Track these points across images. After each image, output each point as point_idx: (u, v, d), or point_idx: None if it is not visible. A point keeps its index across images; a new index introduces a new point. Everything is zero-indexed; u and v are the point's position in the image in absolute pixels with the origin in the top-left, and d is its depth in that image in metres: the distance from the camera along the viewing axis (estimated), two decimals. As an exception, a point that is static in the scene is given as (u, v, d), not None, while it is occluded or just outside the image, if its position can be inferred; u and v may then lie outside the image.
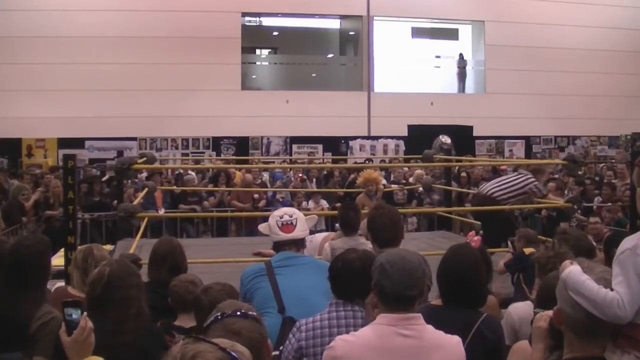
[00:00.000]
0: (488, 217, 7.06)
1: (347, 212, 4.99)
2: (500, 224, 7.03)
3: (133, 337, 2.80)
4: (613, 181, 11.82)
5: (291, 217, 3.77)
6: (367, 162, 15.15)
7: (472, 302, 3.00)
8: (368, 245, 4.54)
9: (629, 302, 2.21)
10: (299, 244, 3.77)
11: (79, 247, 4.15)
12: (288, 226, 3.72)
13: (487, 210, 7.09)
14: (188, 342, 1.54)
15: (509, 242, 5.90)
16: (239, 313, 2.00)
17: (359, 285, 2.88)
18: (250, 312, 2.02)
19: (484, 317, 2.93)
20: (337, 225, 5.91)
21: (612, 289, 2.25)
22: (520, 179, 7.50)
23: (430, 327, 2.51)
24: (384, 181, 10.75)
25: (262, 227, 3.93)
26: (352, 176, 12.14)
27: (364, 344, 2.44)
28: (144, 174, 11.38)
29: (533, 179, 7.44)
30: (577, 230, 4.98)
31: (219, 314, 2.02)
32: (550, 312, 2.51)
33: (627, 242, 2.33)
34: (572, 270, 2.31)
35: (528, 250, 5.36)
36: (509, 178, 7.76)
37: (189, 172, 13.23)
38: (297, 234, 3.74)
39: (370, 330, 2.48)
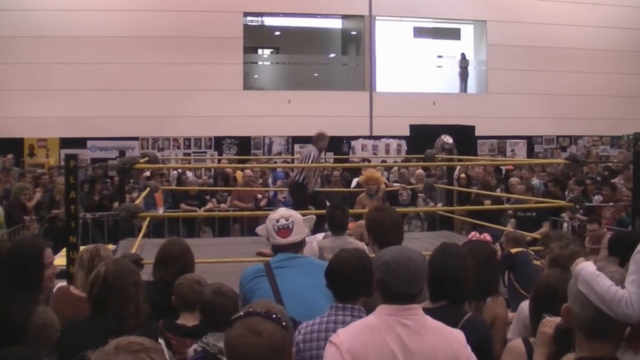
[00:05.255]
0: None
1: (334, 212, 4.99)
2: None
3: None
4: (613, 181, 11.83)
5: (287, 220, 3.69)
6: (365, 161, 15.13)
7: (456, 298, 3.02)
8: (356, 244, 4.54)
9: (637, 301, 2.20)
10: (297, 246, 3.72)
11: (85, 247, 4.15)
12: (284, 230, 3.66)
13: None
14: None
15: (498, 244, 5.99)
16: (263, 312, 1.95)
17: (359, 285, 2.91)
18: (280, 317, 1.97)
19: (467, 316, 2.95)
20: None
21: (624, 287, 2.24)
22: (304, 156, 8.40)
23: (429, 318, 2.55)
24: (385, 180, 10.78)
25: (259, 229, 3.90)
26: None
27: (364, 329, 2.49)
28: (146, 174, 11.38)
29: (311, 149, 8.32)
30: (560, 232, 5.03)
31: (249, 309, 1.99)
32: (556, 319, 2.53)
33: None
34: (587, 265, 2.32)
35: (514, 250, 5.43)
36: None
37: (187, 172, 13.30)
38: (293, 238, 3.68)
39: (372, 318, 2.54)
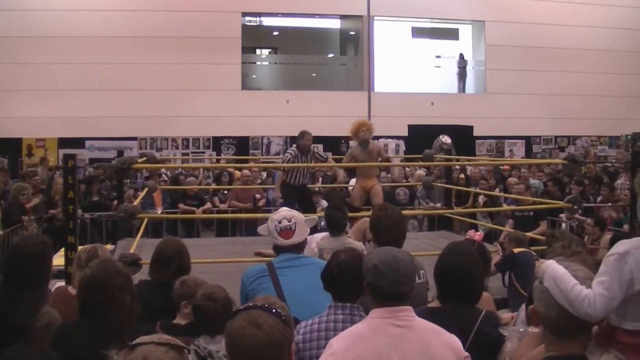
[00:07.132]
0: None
1: (334, 213, 4.99)
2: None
3: (118, 340, 2.78)
4: (617, 182, 11.83)
5: (290, 221, 3.68)
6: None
7: (470, 298, 3.02)
8: (354, 245, 4.55)
9: (601, 303, 2.21)
10: (299, 247, 3.73)
11: (83, 247, 4.13)
12: (287, 232, 3.66)
13: None
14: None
15: (497, 244, 6.02)
16: (264, 306, 1.99)
17: (358, 285, 2.90)
18: (281, 311, 2.00)
19: (483, 314, 2.97)
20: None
21: (589, 286, 2.25)
22: (285, 158, 8.95)
23: (421, 319, 2.58)
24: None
25: (261, 229, 3.88)
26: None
27: (358, 336, 2.50)
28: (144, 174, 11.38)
29: (290, 150, 8.99)
30: (565, 232, 5.04)
31: (250, 303, 2.02)
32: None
33: (620, 247, 2.31)
34: (553, 262, 2.35)
35: (517, 250, 5.44)
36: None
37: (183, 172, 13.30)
38: (296, 239, 3.68)
39: (364, 325, 2.56)
